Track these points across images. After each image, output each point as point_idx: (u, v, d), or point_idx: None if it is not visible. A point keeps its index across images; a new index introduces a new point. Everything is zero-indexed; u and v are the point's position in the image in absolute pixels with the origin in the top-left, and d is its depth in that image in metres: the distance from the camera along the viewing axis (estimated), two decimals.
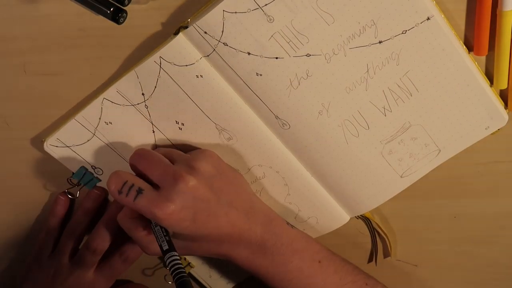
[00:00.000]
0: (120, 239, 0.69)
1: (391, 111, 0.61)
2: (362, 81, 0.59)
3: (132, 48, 0.61)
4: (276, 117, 0.62)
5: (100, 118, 0.64)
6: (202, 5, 0.57)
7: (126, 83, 0.61)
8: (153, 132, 0.64)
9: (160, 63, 0.59)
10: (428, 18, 0.56)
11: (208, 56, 0.58)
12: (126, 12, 0.57)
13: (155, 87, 0.61)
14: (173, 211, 0.56)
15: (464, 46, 0.58)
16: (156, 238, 0.58)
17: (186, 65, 0.59)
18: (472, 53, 0.59)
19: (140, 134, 0.65)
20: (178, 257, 0.55)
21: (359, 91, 0.60)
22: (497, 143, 0.65)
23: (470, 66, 0.59)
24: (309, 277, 0.64)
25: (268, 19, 0.56)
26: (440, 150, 0.64)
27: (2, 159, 0.70)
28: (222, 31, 0.56)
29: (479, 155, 0.66)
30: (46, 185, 0.71)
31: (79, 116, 0.63)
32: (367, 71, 0.59)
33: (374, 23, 0.56)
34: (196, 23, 0.56)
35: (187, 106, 0.62)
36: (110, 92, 0.62)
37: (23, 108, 0.66)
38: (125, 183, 0.58)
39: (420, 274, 0.76)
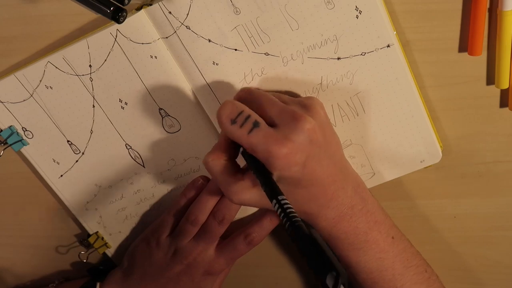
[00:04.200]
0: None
1: (335, 126, 0.62)
2: (313, 91, 0.60)
3: None
4: None
5: (41, 81, 0.62)
6: None
7: (74, 51, 0.60)
8: (93, 106, 0.63)
9: (116, 36, 0.59)
10: (389, 46, 0.57)
11: (166, 38, 0.58)
12: (126, 11, 0.56)
13: (105, 60, 0.60)
14: (290, 151, 0.50)
15: (415, 80, 0.59)
16: (260, 180, 0.51)
17: (142, 43, 0.59)
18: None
19: (79, 106, 0.63)
20: (287, 200, 0.48)
21: None
22: (497, 143, 0.65)
23: (418, 100, 0.60)
24: (382, 252, 0.60)
25: (235, 11, 0.56)
26: (374, 174, 0.65)
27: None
28: (187, 14, 0.56)
29: (479, 155, 0.66)
30: None
31: (19, 73, 0.62)
32: (321, 83, 0.59)
33: (336, 39, 0.57)
34: (163, 1, 0.56)
35: (135, 85, 0.61)
36: (56, 57, 0.61)
37: None
38: (240, 113, 0.52)
39: None
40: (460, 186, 0.68)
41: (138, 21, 0.57)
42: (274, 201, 0.48)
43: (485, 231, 0.71)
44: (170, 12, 0.56)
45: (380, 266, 0.61)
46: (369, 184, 0.66)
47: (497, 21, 0.56)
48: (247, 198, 0.55)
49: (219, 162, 0.55)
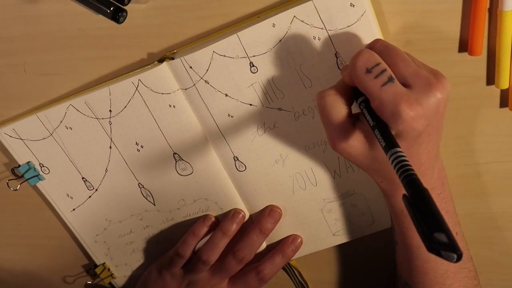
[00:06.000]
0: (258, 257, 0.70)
1: (340, 176, 0.65)
2: (322, 143, 0.63)
3: (132, 48, 0.61)
4: (235, 158, 0.64)
5: (61, 121, 0.65)
6: (192, 42, 0.60)
7: (96, 97, 0.63)
8: (110, 147, 0.66)
9: (137, 86, 0.61)
10: None
11: (186, 89, 0.61)
12: (126, 11, 0.57)
13: (125, 107, 0.63)
14: (417, 115, 0.47)
15: None
16: (377, 130, 0.48)
17: (162, 93, 0.61)
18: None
19: (96, 146, 0.66)
20: (404, 154, 0.45)
21: (317, 151, 0.63)
22: (497, 143, 0.63)
23: None
24: None
25: (252, 69, 0.59)
26: (374, 221, 0.68)
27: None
28: (207, 70, 0.59)
29: (479, 155, 0.64)
30: None
31: (41, 114, 0.64)
32: None
33: None
34: (185, 57, 0.58)
35: (152, 131, 0.64)
36: (78, 101, 0.63)
37: (23, 108, 0.66)
38: (377, 64, 0.49)
39: None
40: (460, 186, 0.67)
41: (160, 73, 0.60)
42: (391, 152, 0.45)
43: (485, 231, 0.70)
44: (191, 67, 0.59)
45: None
46: (368, 231, 0.69)
47: (497, 21, 0.56)
48: (351, 146, 0.52)
49: (336, 99, 0.52)
